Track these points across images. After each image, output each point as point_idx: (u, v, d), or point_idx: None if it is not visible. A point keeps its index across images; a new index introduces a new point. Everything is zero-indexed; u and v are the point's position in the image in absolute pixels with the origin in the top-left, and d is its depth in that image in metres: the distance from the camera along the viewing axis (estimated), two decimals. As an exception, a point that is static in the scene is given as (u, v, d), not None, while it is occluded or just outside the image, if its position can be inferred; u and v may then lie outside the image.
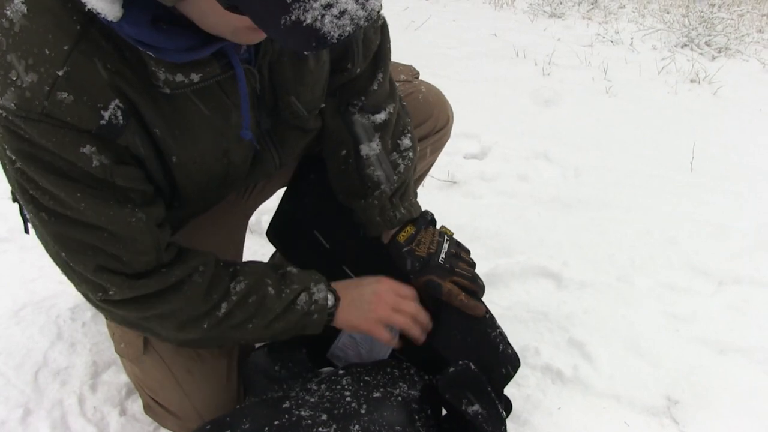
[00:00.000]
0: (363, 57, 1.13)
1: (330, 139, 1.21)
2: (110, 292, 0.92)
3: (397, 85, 1.26)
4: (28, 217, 0.90)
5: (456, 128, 1.55)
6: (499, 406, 1.08)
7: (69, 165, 0.80)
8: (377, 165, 1.18)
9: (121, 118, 0.81)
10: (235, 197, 1.31)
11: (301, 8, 0.62)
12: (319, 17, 0.63)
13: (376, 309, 1.12)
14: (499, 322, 1.24)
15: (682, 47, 4.33)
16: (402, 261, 1.17)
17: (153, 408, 1.22)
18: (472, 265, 1.22)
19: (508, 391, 1.35)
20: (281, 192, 1.40)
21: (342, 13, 0.64)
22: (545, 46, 3.93)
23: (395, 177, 1.19)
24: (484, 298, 1.22)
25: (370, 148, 1.18)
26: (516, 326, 1.63)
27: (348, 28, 0.65)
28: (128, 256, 0.90)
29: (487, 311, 1.20)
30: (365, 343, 1.25)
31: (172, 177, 0.95)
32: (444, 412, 1.14)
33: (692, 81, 3.63)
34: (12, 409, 1.32)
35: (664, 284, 1.81)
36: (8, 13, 0.73)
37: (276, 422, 0.98)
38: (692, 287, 1.81)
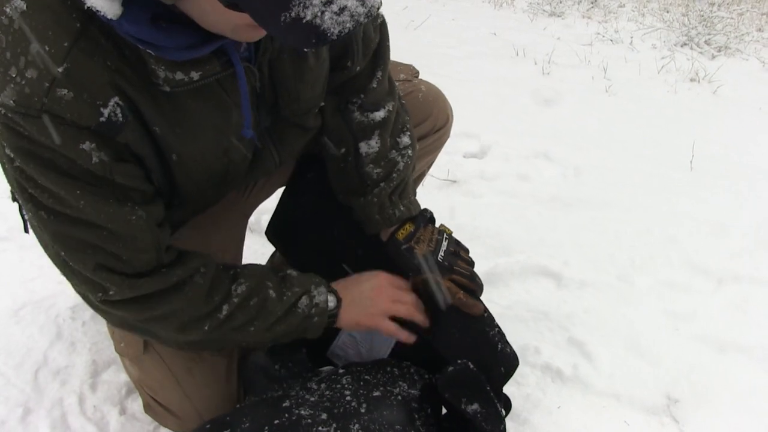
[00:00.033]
0: (363, 55, 1.13)
1: (329, 137, 1.22)
2: (110, 292, 0.91)
3: (397, 84, 1.27)
4: (26, 216, 0.90)
5: (456, 127, 1.55)
6: (498, 404, 1.08)
7: (68, 162, 0.80)
8: (376, 163, 1.18)
9: (120, 115, 0.81)
10: (235, 196, 1.30)
11: (301, 5, 0.62)
12: (319, 14, 0.63)
13: (377, 303, 1.13)
14: (500, 321, 1.24)
15: (681, 46, 4.32)
16: (401, 259, 1.17)
17: (153, 407, 1.22)
18: (471, 263, 1.22)
19: (508, 389, 1.35)
20: (281, 191, 1.40)
21: (342, 9, 0.64)
22: (545, 45, 3.93)
23: (394, 175, 1.19)
24: (483, 297, 1.22)
25: (370, 146, 1.18)
26: (516, 325, 1.63)
27: (348, 25, 0.65)
28: (128, 255, 0.90)
29: (486, 310, 1.20)
30: (365, 342, 1.25)
31: (172, 175, 0.95)
32: (444, 410, 1.14)
33: (692, 80, 3.63)
34: (12, 408, 1.32)
35: (664, 283, 1.81)
36: (8, 10, 0.73)
37: (276, 421, 0.98)
38: (692, 286, 1.81)
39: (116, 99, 0.80)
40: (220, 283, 1.01)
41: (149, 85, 0.82)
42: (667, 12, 5.24)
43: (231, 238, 1.33)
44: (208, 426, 1.01)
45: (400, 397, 1.06)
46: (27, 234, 1.18)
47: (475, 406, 1.04)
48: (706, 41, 4.36)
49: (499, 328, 1.22)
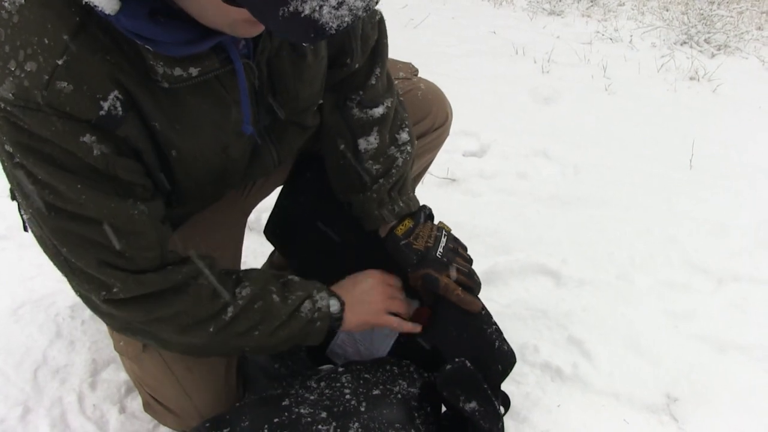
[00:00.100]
0: (361, 52, 1.13)
1: (328, 135, 1.22)
2: (114, 289, 0.89)
3: (396, 82, 1.27)
4: (25, 215, 0.88)
5: (455, 126, 1.55)
6: (496, 402, 1.08)
7: (68, 155, 0.79)
8: (375, 159, 1.18)
9: (120, 109, 0.80)
10: (234, 194, 1.30)
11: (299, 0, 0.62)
12: (317, 8, 0.63)
13: (377, 301, 1.15)
14: (499, 319, 1.24)
15: (681, 45, 4.32)
16: (400, 254, 1.17)
17: (152, 406, 1.22)
18: (470, 261, 1.22)
19: (507, 388, 1.36)
20: (280, 190, 1.40)
21: (340, 3, 0.64)
22: (544, 44, 3.93)
23: (393, 171, 1.19)
24: (482, 296, 1.22)
25: (368, 143, 1.18)
26: (515, 324, 1.63)
27: (346, 19, 0.65)
28: (131, 252, 0.89)
29: (483, 307, 1.20)
30: (364, 341, 1.25)
31: (171, 172, 0.95)
32: (444, 409, 1.14)
33: (691, 78, 3.63)
34: (11, 407, 1.32)
35: (663, 282, 1.81)
36: (6, 4, 0.73)
37: (275, 420, 0.98)
38: (692, 285, 1.81)
39: (116, 92, 0.79)
40: (224, 285, 1.00)
41: (148, 81, 0.82)
42: (667, 10, 5.23)
43: (230, 237, 1.33)
44: (207, 424, 1.01)
45: (399, 396, 1.06)
46: (26, 233, 1.18)
47: (473, 405, 1.04)
48: (705, 40, 4.36)
49: (496, 325, 1.22)
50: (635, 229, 2.04)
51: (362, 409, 1.02)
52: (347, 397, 1.04)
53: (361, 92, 1.17)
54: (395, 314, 1.18)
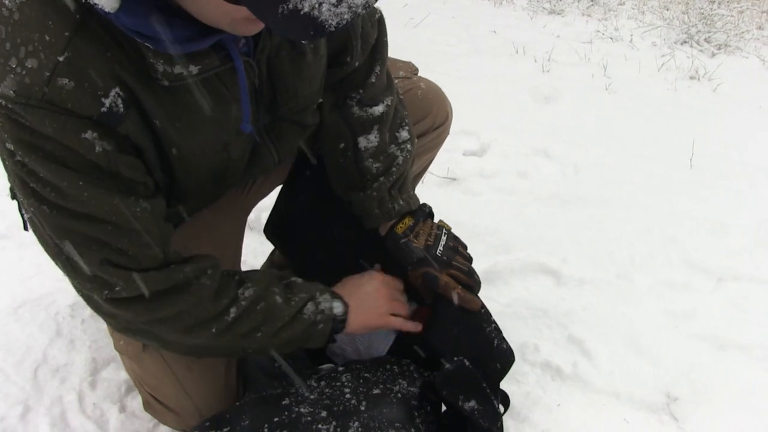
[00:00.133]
0: (361, 50, 1.13)
1: (328, 133, 1.21)
2: (117, 288, 0.89)
3: (396, 81, 1.27)
4: (27, 214, 0.88)
5: (455, 125, 1.55)
6: (495, 401, 1.08)
7: (70, 153, 0.79)
8: (375, 157, 1.18)
9: (121, 106, 0.80)
10: (234, 193, 1.30)
11: None
12: (317, 5, 0.63)
13: (381, 303, 1.15)
14: (499, 318, 1.24)
15: (681, 44, 4.32)
16: (400, 253, 1.17)
17: (152, 405, 1.22)
18: (469, 259, 1.23)
19: (508, 387, 1.36)
20: (280, 189, 1.40)
21: (339, 1, 0.63)
22: (545, 43, 3.93)
23: (393, 169, 1.19)
24: (482, 295, 1.22)
25: (369, 141, 1.18)
26: (515, 323, 1.63)
27: (346, 16, 0.65)
28: (134, 250, 0.88)
29: (483, 306, 1.20)
30: (363, 340, 1.25)
31: (171, 170, 0.95)
32: (444, 408, 1.14)
33: (692, 78, 3.63)
34: (11, 406, 1.32)
35: (663, 281, 1.81)
36: (6, 2, 0.73)
37: (275, 419, 0.98)
38: (692, 284, 1.81)
39: (117, 89, 0.79)
40: (227, 286, 1.00)
41: (148, 79, 0.82)
42: (667, 10, 5.23)
43: (230, 236, 1.33)
44: (207, 423, 1.01)
45: (399, 395, 1.06)
46: (26, 232, 1.18)
47: (473, 403, 1.04)
48: (706, 39, 4.35)
49: (495, 324, 1.22)
50: (635, 228, 2.04)
51: (362, 408, 1.02)
52: (347, 396, 1.04)
53: (361, 91, 1.17)
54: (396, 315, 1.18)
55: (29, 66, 0.73)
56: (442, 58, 3.54)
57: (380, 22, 1.17)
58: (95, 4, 0.71)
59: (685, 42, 4.35)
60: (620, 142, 2.69)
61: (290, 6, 0.62)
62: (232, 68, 0.89)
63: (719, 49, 4.28)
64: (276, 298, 1.03)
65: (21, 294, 1.61)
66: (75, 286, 0.94)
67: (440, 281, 1.14)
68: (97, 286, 0.90)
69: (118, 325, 0.99)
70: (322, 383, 1.08)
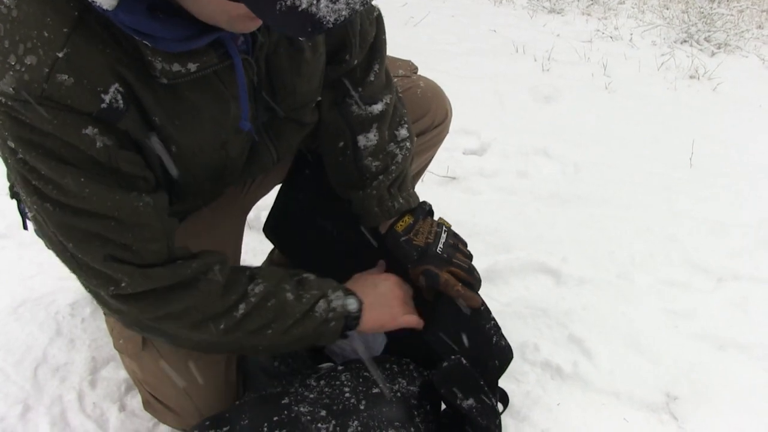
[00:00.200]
0: (360, 48, 1.13)
1: (327, 132, 1.21)
2: (122, 284, 0.89)
3: (396, 80, 1.27)
4: (30, 212, 0.88)
5: (455, 124, 1.54)
6: (493, 399, 1.08)
7: (71, 149, 0.79)
8: (375, 156, 1.18)
9: (121, 102, 0.80)
10: (233, 192, 1.30)
11: None
12: (315, 2, 0.63)
13: (395, 304, 1.15)
14: (499, 318, 1.24)
15: (681, 43, 4.32)
16: (400, 251, 1.17)
17: (152, 404, 1.22)
18: (469, 256, 1.22)
19: (507, 386, 1.36)
20: (279, 188, 1.40)
21: None
22: (544, 42, 3.92)
23: (393, 167, 1.19)
24: (481, 293, 1.22)
25: (368, 139, 1.18)
26: (515, 322, 1.63)
27: (344, 13, 0.65)
28: (138, 245, 0.88)
29: (483, 303, 1.20)
30: (363, 340, 1.25)
31: (171, 168, 0.94)
32: (443, 407, 1.14)
33: (692, 77, 3.63)
34: (11, 405, 1.32)
35: (663, 281, 1.81)
36: None
37: (275, 418, 0.98)
38: (692, 284, 1.81)
39: (116, 85, 0.79)
40: (236, 281, 0.99)
41: (147, 76, 0.82)
42: (667, 9, 5.22)
43: (230, 234, 1.33)
44: (207, 423, 1.01)
45: (399, 394, 1.06)
46: (26, 231, 1.18)
47: (471, 401, 1.04)
48: (705, 38, 4.35)
49: (494, 321, 1.22)
50: (635, 227, 2.04)
51: (362, 407, 1.01)
52: (347, 395, 1.04)
53: (359, 89, 1.17)
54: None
55: (28, 63, 0.73)
56: (441, 57, 3.54)
57: (378, 20, 1.17)
58: (93, 1, 0.71)
59: (685, 41, 4.34)
60: (620, 141, 2.69)
61: (288, 3, 0.62)
62: (230, 66, 0.89)
63: (719, 48, 4.27)
64: (287, 294, 1.02)
65: (21, 293, 1.61)
66: (82, 283, 0.94)
67: (441, 279, 1.14)
68: (102, 283, 0.89)
69: (125, 321, 0.98)
70: (322, 382, 1.08)
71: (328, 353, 1.29)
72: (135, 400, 1.36)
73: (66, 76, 0.74)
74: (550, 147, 2.53)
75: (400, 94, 1.26)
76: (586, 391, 1.45)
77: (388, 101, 1.19)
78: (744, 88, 3.54)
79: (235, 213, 1.34)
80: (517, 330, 1.59)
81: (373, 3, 1.14)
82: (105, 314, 1.23)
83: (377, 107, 1.18)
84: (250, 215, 1.47)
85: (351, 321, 1.08)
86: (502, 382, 1.25)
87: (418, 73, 1.48)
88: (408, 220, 1.19)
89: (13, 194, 1.10)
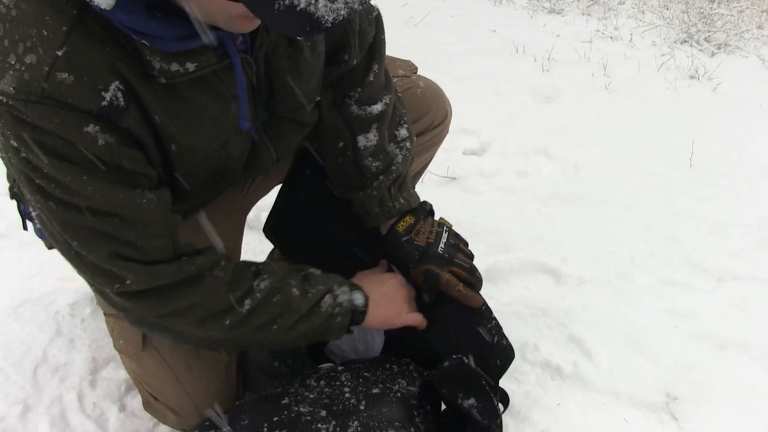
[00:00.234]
0: (359, 48, 1.13)
1: (327, 132, 1.21)
2: (127, 281, 0.89)
3: (395, 80, 1.27)
4: (34, 211, 0.88)
5: (455, 124, 1.54)
6: (495, 398, 1.09)
7: (73, 147, 0.79)
8: (375, 156, 1.18)
9: (122, 99, 0.80)
10: (233, 192, 1.30)
11: None
12: (313, 2, 0.63)
13: (400, 302, 1.15)
14: (499, 318, 1.24)
15: (681, 43, 4.31)
16: (401, 251, 1.17)
17: (152, 404, 1.22)
18: (471, 256, 1.23)
19: (508, 386, 1.36)
20: (279, 188, 1.40)
21: None
22: (544, 42, 3.92)
23: (393, 167, 1.19)
24: (481, 293, 1.22)
25: (368, 140, 1.18)
26: (515, 322, 1.63)
27: (342, 12, 0.65)
28: (142, 242, 0.88)
29: (484, 303, 1.20)
30: (362, 339, 1.25)
31: (171, 168, 0.94)
32: (443, 407, 1.14)
33: (692, 77, 3.62)
34: (11, 405, 1.32)
35: (663, 281, 1.81)
36: None
37: (275, 418, 0.98)
38: (692, 284, 1.81)
39: (116, 83, 0.79)
40: (241, 277, 0.99)
41: (147, 76, 0.82)
42: (667, 9, 5.22)
43: (229, 235, 1.33)
44: (207, 423, 1.01)
45: (399, 395, 1.06)
46: (26, 231, 1.18)
47: (472, 401, 1.04)
48: (705, 38, 4.35)
49: (496, 320, 1.22)
50: (635, 227, 2.04)
51: (362, 407, 1.01)
52: (347, 395, 1.04)
53: (359, 89, 1.17)
54: None
55: (28, 62, 0.73)
56: (441, 57, 3.54)
57: (378, 20, 1.17)
58: (91, 1, 0.71)
59: (685, 41, 4.34)
60: (620, 141, 2.69)
61: (286, 2, 0.62)
62: (229, 65, 0.89)
63: (719, 48, 4.27)
64: (293, 290, 1.02)
65: (21, 293, 1.61)
66: (87, 281, 0.94)
67: (442, 279, 1.14)
68: (107, 280, 0.89)
69: (131, 319, 0.98)
70: (322, 382, 1.08)
71: (327, 354, 1.28)
72: (135, 401, 1.36)
73: (66, 75, 0.74)
74: (550, 147, 2.53)
75: (400, 94, 1.26)
76: (586, 391, 1.45)
77: (388, 101, 1.19)
78: (744, 89, 3.54)
79: (235, 213, 1.34)
80: (517, 330, 1.59)
81: (372, 3, 1.14)
82: (105, 315, 1.24)
83: (377, 107, 1.18)
84: (250, 215, 1.47)
85: (357, 315, 1.08)
86: (502, 383, 1.25)
87: (418, 73, 1.48)
88: (409, 220, 1.19)
89: (13, 195, 1.10)
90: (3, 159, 0.87)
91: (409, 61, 1.49)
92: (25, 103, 0.74)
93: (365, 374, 1.10)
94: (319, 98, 1.17)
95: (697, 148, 2.60)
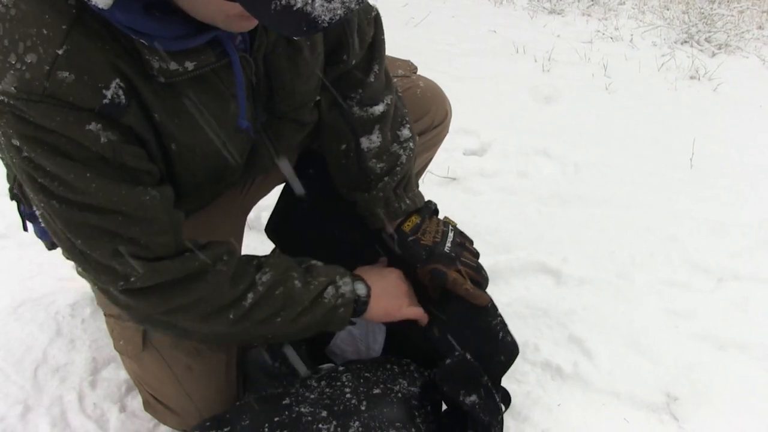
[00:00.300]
0: (358, 48, 1.13)
1: (329, 134, 1.21)
2: (131, 278, 0.89)
3: (395, 80, 1.27)
4: (37, 210, 0.88)
5: (455, 124, 1.54)
6: (496, 395, 1.09)
7: (75, 145, 0.79)
8: (379, 157, 1.18)
9: (123, 97, 0.80)
10: (233, 192, 1.30)
11: None
12: (310, 1, 0.63)
13: (401, 295, 1.15)
14: (499, 318, 1.24)
15: (682, 44, 4.31)
16: (408, 251, 1.18)
17: (152, 405, 1.22)
18: (477, 255, 1.23)
19: (508, 387, 1.36)
20: (281, 188, 1.40)
21: None
22: (545, 43, 3.92)
23: (398, 168, 1.19)
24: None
25: (371, 141, 1.17)
26: (516, 322, 1.63)
27: (339, 12, 0.65)
28: (146, 239, 0.88)
29: (490, 300, 1.21)
30: (364, 339, 1.25)
31: (171, 167, 0.94)
32: (444, 407, 1.14)
33: (692, 78, 3.62)
34: (11, 405, 1.32)
35: (663, 281, 1.81)
36: None
37: (276, 419, 0.98)
38: (692, 284, 1.81)
39: (117, 81, 0.79)
40: (244, 271, 0.99)
41: (146, 75, 0.82)
42: (668, 9, 5.22)
43: (230, 235, 1.33)
44: (207, 423, 1.01)
45: (400, 395, 1.06)
46: (26, 232, 1.18)
47: (473, 398, 1.04)
48: (706, 39, 4.35)
49: (501, 317, 1.22)
50: (636, 227, 2.04)
51: (362, 408, 1.01)
52: (348, 396, 1.04)
53: (360, 90, 1.17)
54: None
55: (29, 61, 0.73)
56: (442, 58, 3.54)
57: (377, 20, 1.17)
58: (89, 0, 0.71)
59: (686, 42, 4.34)
60: (620, 141, 2.69)
61: (283, 2, 0.62)
62: (228, 64, 0.89)
63: (719, 48, 4.27)
64: (295, 282, 1.02)
65: (21, 293, 1.61)
66: (91, 280, 0.94)
67: (449, 277, 1.15)
68: (112, 278, 0.89)
69: (136, 317, 0.98)
70: (323, 383, 1.08)
71: (328, 354, 1.28)
72: (135, 401, 1.36)
73: (67, 73, 0.74)
74: (551, 147, 2.53)
75: (401, 94, 1.26)
76: (587, 391, 1.45)
77: (389, 102, 1.19)
78: (744, 89, 3.54)
79: (235, 213, 1.34)
80: (518, 330, 1.57)
81: (371, 3, 1.14)
82: (105, 315, 1.24)
83: (378, 108, 1.18)
84: (250, 215, 1.47)
85: (360, 306, 1.08)
86: (503, 383, 1.25)
87: (418, 73, 1.48)
88: (415, 219, 1.19)
89: (13, 196, 1.10)
90: (4, 159, 0.87)
91: (408, 61, 1.49)
92: (27, 102, 0.74)
93: (366, 374, 1.10)
94: (318, 98, 1.17)
95: (698, 149, 2.60)
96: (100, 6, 0.71)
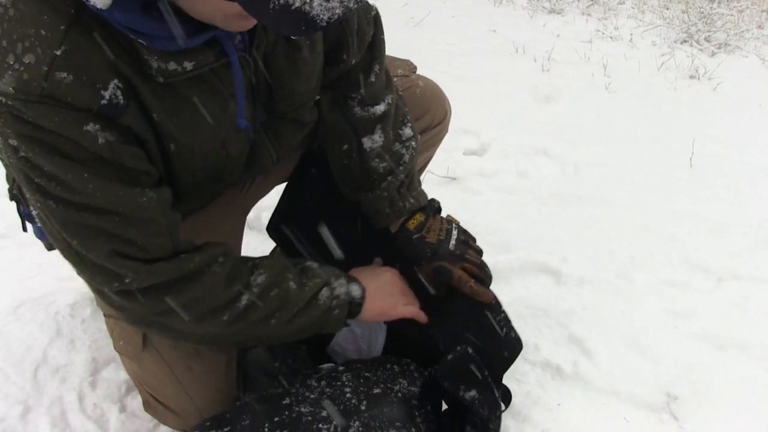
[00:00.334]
0: (358, 48, 1.13)
1: (330, 135, 1.21)
2: (126, 280, 0.88)
3: (395, 79, 1.27)
4: (34, 210, 0.88)
5: (455, 124, 1.54)
6: (496, 390, 1.09)
7: (73, 145, 0.79)
8: (381, 157, 1.18)
9: (121, 97, 0.80)
10: (233, 192, 1.30)
11: None
12: (308, 0, 0.63)
13: (396, 293, 1.16)
14: (502, 316, 1.24)
15: (681, 43, 4.31)
16: (412, 249, 1.18)
17: (152, 405, 1.22)
18: (480, 252, 1.23)
19: (508, 386, 1.35)
20: (281, 188, 1.40)
21: None
22: (544, 42, 3.92)
23: (401, 167, 1.19)
24: (486, 289, 1.23)
25: (373, 141, 1.18)
26: (516, 322, 1.60)
27: (337, 11, 0.65)
28: (142, 240, 0.88)
29: (494, 297, 1.21)
30: (365, 339, 1.25)
31: (170, 167, 0.94)
32: (444, 407, 1.14)
33: (692, 77, 3.62)
34: (11, 405, 1.32)
35: (663, 281, 1.81)
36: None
37: (276, 418, 0.98)
38: (692, 284, 1.81)
39: (116, 81, 0.79)
40: (239, 272, 0.99)
41: (145, 75, 0.82)
42: (667, 9, 5.22)
43: (229, 235, 1.33)
44: (207, 423, 1.01)
45: (400, 394, 1.06)
46: (25, 232, 1.18)
47: (473, 393, 1.05)
48: (706, 38, 4.35)
49: (504, 313, 1.23)
50: (635, 227, 2.04)
51: (363, 407, 1.01)
52: (348, 395, 1.04)
53: (361, 90, 1.17)
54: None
55: (27, 61, 0.73)
56: (442, 58, 3.54)
57: (376, 20, 1.17)
58: (87, 0, 0.71)
59: (685, 41, 4.34)
60: (620, 141, 2.69)
61: (281, 1, 0.62)
62: (227, 64, 0.89)
63: (719, 48, 4.27)
64: (290, 284, 1.02)
65: (21, 294, 1.61)
66: (86, 281, 0.94)
67: (454, 275, 1.15)
68: (107, 279, 0.89)
69: (130, 318, 0.98)
70: (323, 382, 1.08)
71: (329, 352, 1.28)
72: (135, 401, 1.36)
73: (65, 74, 0.74)
74: (550, 147, 2.53)
75: (400, 93, 1.26)
76: (587, 391, 1.45)
77: (390, 101, 1.19)
78: (744, 88, 3.54)
79: (235, 213, 1.34)
80: (518, 330, 1.58)
81: (371, 2, 1.14)
82: (105, 316, 1.23)
83: (379, 108, 1.18)
84: (250, 215, 1.47)
85: (354, 307, 1.08)
86: (503, 382, 1.25)
87: (417, 72, 1.48)
88: (419, 218, 1.19)
89: (12, 196, 1.10)
90: (2, 159, 0.87)
91: (408, 61, 1.49)
92: (25, 102, 0.74)
93: (366, 374, 1.10)
94: (318, 98, 1.17)
95: (698, 148, 2.60)
96: (98, 6, 0.71)
